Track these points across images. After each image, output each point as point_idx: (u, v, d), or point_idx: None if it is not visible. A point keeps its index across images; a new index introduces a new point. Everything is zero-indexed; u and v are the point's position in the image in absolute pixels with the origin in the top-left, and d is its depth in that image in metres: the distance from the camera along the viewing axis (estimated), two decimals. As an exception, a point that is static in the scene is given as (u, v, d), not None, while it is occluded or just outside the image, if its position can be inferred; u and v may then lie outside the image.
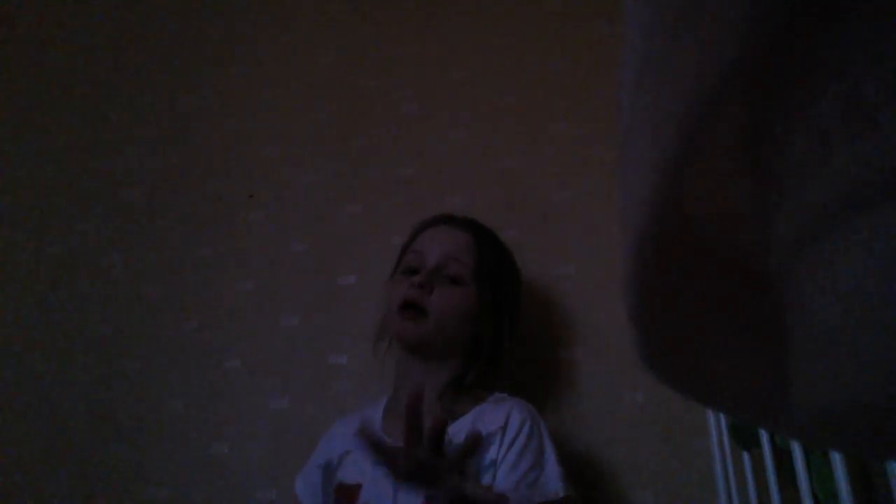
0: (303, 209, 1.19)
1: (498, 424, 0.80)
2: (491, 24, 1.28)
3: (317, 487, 0.86)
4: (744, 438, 0.79)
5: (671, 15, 0.13)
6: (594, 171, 1.11)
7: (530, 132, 1.18)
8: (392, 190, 1.18)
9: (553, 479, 0.78)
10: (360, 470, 0.81)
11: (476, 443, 0.66)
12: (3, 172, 1.28)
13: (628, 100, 0.16)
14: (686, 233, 0.16)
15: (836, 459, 0.53)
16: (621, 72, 0.16)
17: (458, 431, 0.80)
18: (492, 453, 0.78)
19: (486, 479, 0.77)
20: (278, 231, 1.18)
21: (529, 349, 1.03)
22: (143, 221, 1.21)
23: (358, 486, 0.80)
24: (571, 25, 1.24)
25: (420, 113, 1.23)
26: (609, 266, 1.04)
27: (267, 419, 1.04)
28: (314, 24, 1.34)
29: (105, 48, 1.37)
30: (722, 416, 0.88)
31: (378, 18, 1.32)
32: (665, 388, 0.21)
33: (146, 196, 1.23)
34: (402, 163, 1.19)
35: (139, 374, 1.10)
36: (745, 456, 0.81)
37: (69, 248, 1.20)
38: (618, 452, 0.96)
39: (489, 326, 0.90)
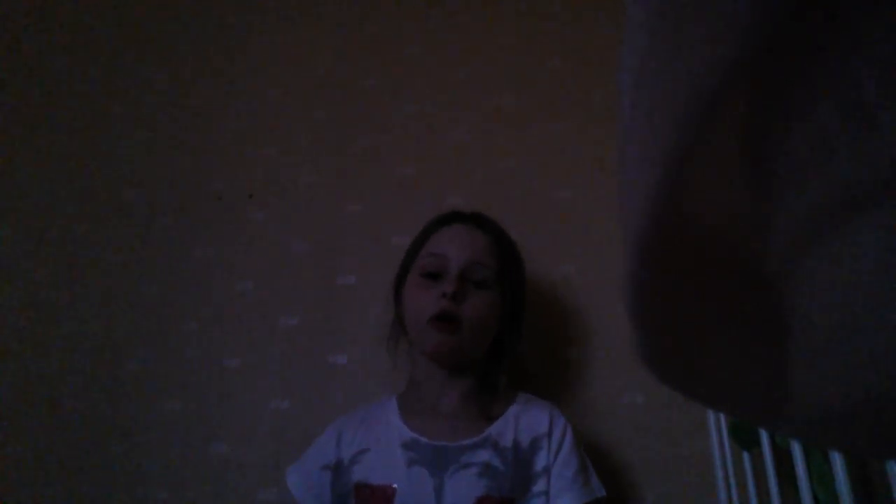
0: (303, 209, 1.19)
1: (543, 429, 0.81)
2: (491, 25, 1.28)
3: (323, 488, 0.82)
4: (744, 438, 0.79)
5: (672, 14, 0.13)
6: (594, 171, 1.11)
7: (530, 132, 1.18)
8: (392, 190, 1.18)
9: (595, 479, 0.80)
10: (390, 471, 0.77)
11: None
12: (3, 172, 1.28)
13: (628, 99, 0.16)
14: (686, 233, 0.16)
15: (836, 459, 0.53)
16: (621, 71, 0.16)
17: (500, 433, 0.80)
18: (542, 459, 0.78)
19: (541, 484, 0.77)
20: (278, 231, 1.18)
21: (529, 349, 1.03)
22: (143, 221, 1.21)
23: (391, 489, 0.76)
24: (571, 25, 1.24)
25: (420, 113, 1.23)
26: (609, 266, 1.04)
27: (267, 419, 1.04)
28: (314, 24, 1.34)
29: (105, 48, 1.37)
30: (722, 416, 0.88)
31: (378, 18, 1.32)
32: (665, 388, 0.21)
33: (146, 196, 1.23)
34: (402, 163, 1.19)
35: (139, 374, 1.10)
36: (746, 456, 0.81)
37: (69, 248, 1.20)
38: (618, 453, 0.96)
39: (511, 326, 0.89)
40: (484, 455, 0.77)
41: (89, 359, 1.11)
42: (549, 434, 0.80)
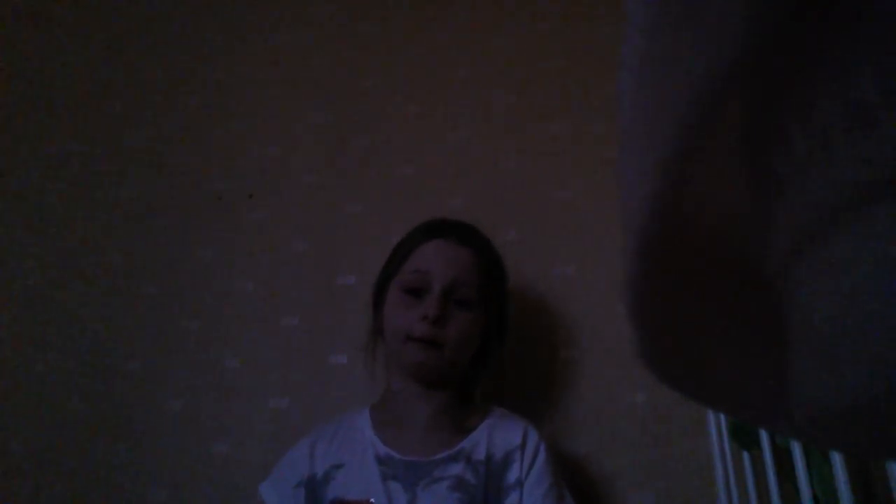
0: (303, 209, 1.19)
1: (516, 442, 0.80)
2: (490, 24, 1.28)
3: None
4: (744, 438, 0.79)
5: (672, 14, 0.13)
6: (594, 171, 1.11)
7: (530, 132, 1.18)
8: (392, 190, 1.18)
9: (569, 498, 0.80)
10: (366, 486, 0.77)
11: None
12: (3, 172, 1.28)
13: (628, 100, 0.16)
14: (686, 233, 0.16)
15: (836, 459, 0.53)
16: (621, 71, 0.16)
17: (473, 446, 0.80)
18: (515, 472, 0.78)
19: (513, 497, 0.76)
20: (278, 231, 1.18)
21: (529, 350, 1.03)
22: (143, 221, 1.21)
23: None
24: (571, 25, 1.24)
25: (420, 113, 1.23)
26: (609, 266, 1.04)
27: (267, 419, 1.04)
28: (314, 23, 1.34)
29: (105, 48, 1.37)
30: (722, 416, 0.88)
31: (378, 18, 1.32)
32: (665, 388, 0.21)
33: (146, 196, 1.23)
34: (402, 163, 1.19)
35: (139, 374, 1.10)
36: (745, 456, 0.81)
37: (69, 248, 1.20)
38: (618, 452, 0.96)
39: (492, 341, 0.89)
40: (456, 469, 0.77)
41: (89, 359, 1.11)
42: (523, 447, 0.80)
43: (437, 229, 0.90)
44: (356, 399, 1.03)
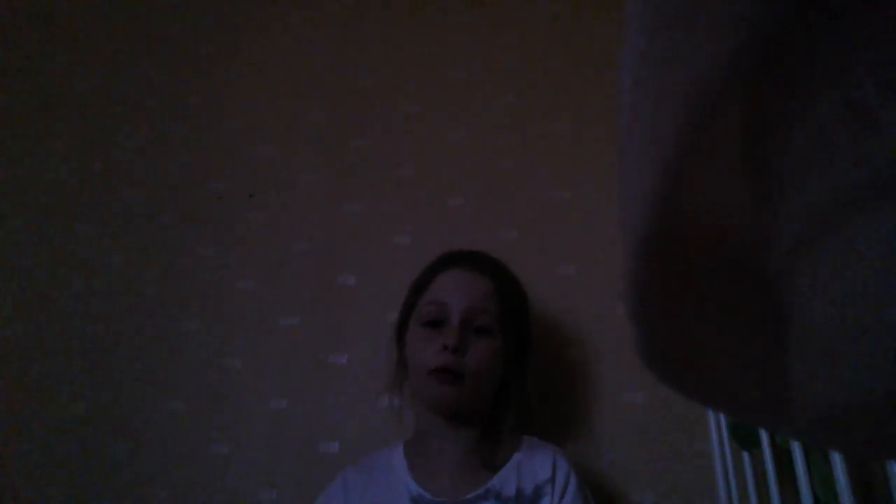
0: (303, 209, 1.19)
1: (546, 475, 0.80)
2: (491, 24, 1.28)
3: None
4: (744, 439, 0.79)
5: (672, 14, 0.13)
6: (594, 171, 1.11)
7: (530, 132, 1.18)
8: (392, 190, 1.18)
9: None
10: None
11: None
12: (3, 172, 1.28)
13: (628, 99, 0.16)
14: (686, 233, 0.16)
15: (836, 459, 0.53)
16: (621, 71, 0.16)
17: (503, 482, 0.79)
18: None
19: None
20: (278, 231, 1.18)
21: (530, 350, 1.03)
22: (143, 221, 1.21)
23: None
24: (571, 25, 1.24)
25: (420, 113, 1.23)
26: (609, 266, 1.04)
27: (267, 419, 1.04)
28: (314, 23, 1.34)
29: (105, 48, 1.37)
30: (722, 416, 0.88)
31: (377, 18, 1.32)
32: (665, 388, 0.21)
33: (146, 196, 1.23)
34: (402, 163, 1.19)
35: (139, 374, 1.10)
36: (745, 456, 0.81)
37: (69, 248, 1.20)
38: (618, 452, 0.96)
39: (517, 371, 0.88)
40: None
41: (89, 359, 1.11)
42: (553, 479, 0.79)
43: (451, 260, 0.90)
44: (356, 399, 1.03)
